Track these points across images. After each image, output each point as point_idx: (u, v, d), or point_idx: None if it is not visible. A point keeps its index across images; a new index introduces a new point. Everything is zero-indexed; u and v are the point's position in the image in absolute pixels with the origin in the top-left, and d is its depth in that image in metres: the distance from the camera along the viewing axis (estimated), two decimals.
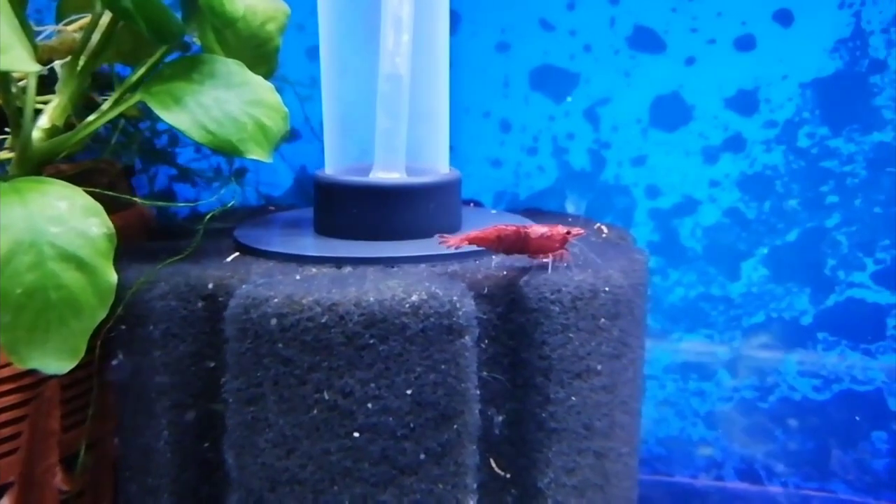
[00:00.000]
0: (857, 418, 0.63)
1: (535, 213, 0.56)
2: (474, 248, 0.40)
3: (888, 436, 0.64)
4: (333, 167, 0.48)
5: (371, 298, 0.33)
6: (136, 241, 0.46)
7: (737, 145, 0.63)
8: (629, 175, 0.65)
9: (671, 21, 0.63)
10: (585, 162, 0.66)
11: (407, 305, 0.33)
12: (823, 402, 0.64)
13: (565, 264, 0.39)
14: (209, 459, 0.36)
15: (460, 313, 0.34)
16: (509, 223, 0.41)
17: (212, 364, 0.36)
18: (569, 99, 0.63)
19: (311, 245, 0.43)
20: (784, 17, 0.61)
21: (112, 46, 0.47)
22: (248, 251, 0.42)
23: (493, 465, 0.37)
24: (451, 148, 0.67)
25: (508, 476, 0.37)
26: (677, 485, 0.65)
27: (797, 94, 0.62)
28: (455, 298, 0.34)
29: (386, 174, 0.46)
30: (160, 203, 0.45)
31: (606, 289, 0.38)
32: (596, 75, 0.64)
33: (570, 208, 0.67)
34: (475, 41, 0.65)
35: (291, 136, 0.66)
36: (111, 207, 0.45)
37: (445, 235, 0.40)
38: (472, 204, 0.59)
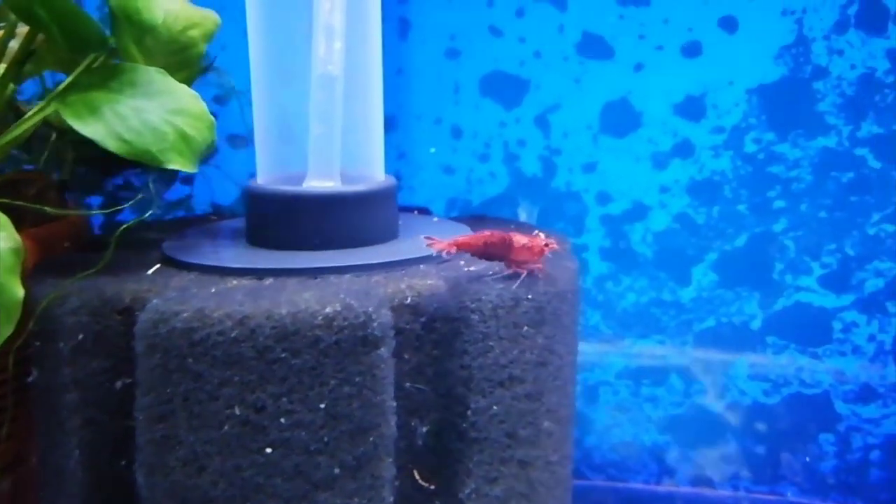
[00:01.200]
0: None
1: (480, 221, 0.56)
2: (432, 253, 0.40)
3: (835, 438, 0.64)
4: (265, 176, 0.48)
5: (283, 311, 0.33)
6: (63, 253, 0.45)
7: (685, 151, 0.63)
8: (580, 181, 0.65)
9: (619, 28, 0.63)
10: (537, 168, 0.65)
11: (320, 318, 0.33)
12: (773, 406, 0.64)
13: (539, 275, 0.39)
14: (125, 478, 0.36)
15: (375, 324, 0.34)
16: (467, 233, 0.41)
17: (128, 380, 0.36)
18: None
19: (236, 256, 0.42)
20: (729, 24, 0.62)
21: (50, 54, 0.46)
22: (172, 263, 0.41)
23: (417, 476, 0.36)
24: (403, 154, 0.67)
25: (433, 487, 0.37)
26: (631, 490, 0.65)
27: (744, 100, 0.62)
28: (371, 310, 0.34)
29: (320, 182, 0.45)
30: (71, 212, 0.44)
31: (529, 296, 0.37)
32: (546, 82, 0.64)
33: (523, 215, 0.67)
34: (425, 48, 0.65)
35: (241, 143, 0.66)
36: (37, 219, 0.44)
37: (433, 238, 0.40)
38: (415, 211, 0.59)
